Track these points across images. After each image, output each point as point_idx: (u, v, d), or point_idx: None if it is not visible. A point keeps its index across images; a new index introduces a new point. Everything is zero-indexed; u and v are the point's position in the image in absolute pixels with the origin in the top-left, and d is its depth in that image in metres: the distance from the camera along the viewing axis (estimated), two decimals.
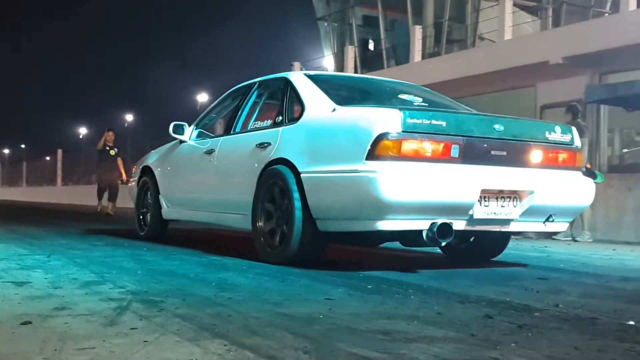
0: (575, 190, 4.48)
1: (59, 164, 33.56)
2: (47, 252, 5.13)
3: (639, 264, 5.23)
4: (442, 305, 3.05)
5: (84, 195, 26.07)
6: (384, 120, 3.95)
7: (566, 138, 4.46)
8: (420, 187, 3.89)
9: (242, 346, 2.16)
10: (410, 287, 3.54)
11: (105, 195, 14.02)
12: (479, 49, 17.47)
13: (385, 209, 3.87)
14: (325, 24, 24.26)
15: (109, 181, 13.80)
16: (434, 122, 3.97)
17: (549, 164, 4.37)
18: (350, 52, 20.87)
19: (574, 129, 4.55)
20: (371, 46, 23.02)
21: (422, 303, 3.09)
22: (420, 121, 3.94)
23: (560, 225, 4.55)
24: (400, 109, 3.98)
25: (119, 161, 13.83)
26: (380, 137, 3.89)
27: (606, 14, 18.15)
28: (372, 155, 3.90)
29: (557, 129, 4.43)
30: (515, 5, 17.15)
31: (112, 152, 13.70)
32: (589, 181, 4.57)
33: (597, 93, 10.28)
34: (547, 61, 14.02)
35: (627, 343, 2.33)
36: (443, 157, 3.97)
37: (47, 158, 38.61)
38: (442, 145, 3.97)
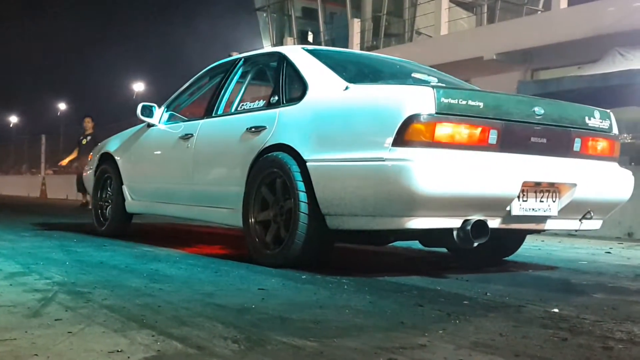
0: (615, 183, 4.04)
1: None
2: None
3: (566, 255, 5.39)
4: (374, 294, 3.07)
5: (14, 186, 25.32)
6: (414, 99, 3.39)
7: (605, 124, 4.00)
8: (458, 179, 3.38)
9: (171, 336, 2.12)
10: (344, 277, 3.55)
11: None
12: (416, 43, 17.72)
13: (418, 204, 3.35)
14: (264, 14, 24.17)
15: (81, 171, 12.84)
16: (470, 102, 3.45)
17: (590, 153, 3.93)
18: (290, 44, 20.84)
19: (612, 114, 4.12)
20: (310, 38, 23.04)
21: (354, 293, 3.10)
22: (455, 101, 3.41)
23: (595, 223, 4.06)
24: (433, 87, 3.46)
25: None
26: (411, 120, 3.34)
27: (539, 12, 18.67)
28: (400, 140, 3.35)
29: (596, 113, 3.97)
30: (451, 1, 17.47)
31: (84, 142, 12.74)
32: (628, 173, 4.14)
33: (529, 89, 10.55)
34: (481, 57, 14.33)
35: (551, 329, 2.40)
36: (480, 144, 3.48)
37: None
38: (479, 129, 3.47)
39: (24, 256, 4.22)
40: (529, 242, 6.43)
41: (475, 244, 3.54)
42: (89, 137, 12.80)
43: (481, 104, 3.48)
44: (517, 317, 2.62)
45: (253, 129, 4.27)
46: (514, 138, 3.59)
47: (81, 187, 12.98)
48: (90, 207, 12.32)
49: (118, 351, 1.93)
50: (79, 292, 2.91)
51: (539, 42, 13.46)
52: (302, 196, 3.76)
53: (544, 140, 3.71)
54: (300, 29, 22.94)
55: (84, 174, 6.73)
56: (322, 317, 2.50)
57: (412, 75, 4.52)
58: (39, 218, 8.87)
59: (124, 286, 3.12)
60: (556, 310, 2.79)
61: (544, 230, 4.04)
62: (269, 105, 4.33)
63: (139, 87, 42.94)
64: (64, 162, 13.91)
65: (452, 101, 3.41)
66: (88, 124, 12.99)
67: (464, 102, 3.44)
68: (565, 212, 3.83)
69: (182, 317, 2.43)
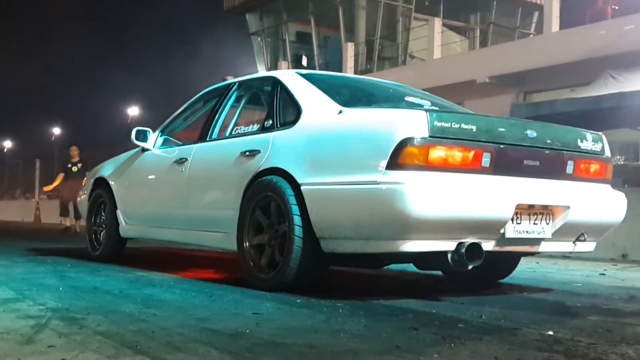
0: (608, 205, 4.06)
1: None
2: None
3: (561, 277, 5.39)
4: (369, 318, 3.06)
5: (8, 211, 25.25)
6: (408, 123, 3.42)
7: (597, 147, 4.04)
8: (452, 202, 3.39)
9: None
10: (339, 301, 3.54)
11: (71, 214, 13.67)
12: (409, 66, 17.86)
13: (411, 227, 3.37)
14: (259, 39, 24.32)
15: (70, 197, 13.05)
16: (463, 125, 3.48)
17: (582, 175, 3.95)
18: (284, 68, 20.97)
19: (604, 137, 4.15)
20: (304, 62, 23.17)
21: (349, 316, 3.10)
22: (448, 125, 3.44)
23: (589, 245, 4.07)
24: (426, 110, 3.51)
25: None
26: (404, 143, 3.37)
27: (531, 35, 18.86)
28: (394, 164, 3.38)
29: (589, 136, 4.01)
30: (444, 25, 17.65)
31: (75, 169, 13.14)
32: (621, 195, 4.15)
33: (522, 111, 10.60)
34: (474, 80, 14.43)
35: (546, 352, 2.39)
36: (473, 167, 3.50)
37: None
38: (472, 153, 3.49)
39: (18, 282, 4.20)
40: (524, 264, 6.43)
41: (470, 267, 3.53)
42: (79, 165, 13.20)
43: (474, 127, 3.51)
44: (512, 340, 2.61)
45: (247, 153, 4.29)
46: (507, 161, 3.61)
47: (65, 212, 13.32)
48: (72, 231, 12.81)
49: None
50: (73, 318, 2.89)
51: (531, 65, 13.59)
52: (297, 220, 3.76)
53: (537, 163, 3.73)
54: (295, 53, 23.08)
55: (78, 199, 6.73)
56: (317, 342, 2.49)
57: (406, 98, 4.55)
58: (32, 243, 8.83)
59: (117, 312, 3.10)
60: (551, 332, 2.78)
61: (538, 253, 4.03)
62: (263, 129, 4.34)
63: (133, 111, 43.01)
64: (49, 187, 14.34)
65: (445, 124, 3.43)
66: (74, 152, 13.40)
67: (457, 126, 3.47)
68: (559, 234, 3.83)
69: (176, 343, 2.42)
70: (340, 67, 18.57)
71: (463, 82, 14.33)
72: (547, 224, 3.78)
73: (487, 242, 3.58)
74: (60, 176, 13.55)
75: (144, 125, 5.90)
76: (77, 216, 13.23)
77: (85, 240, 6.20)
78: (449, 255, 3.50)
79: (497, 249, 3.66)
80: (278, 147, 4.11)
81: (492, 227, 3.57)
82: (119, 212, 5.72)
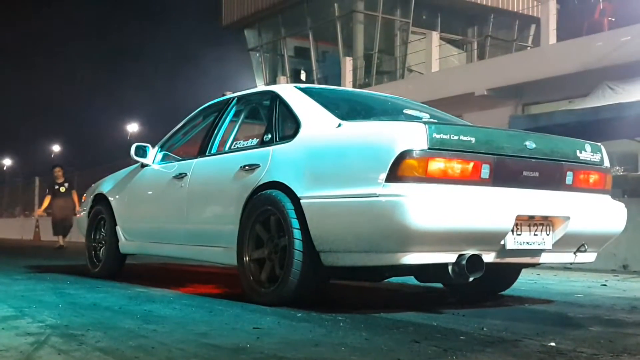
0: (608, 215, 4.06)
1: None
2: None
3: (561, 288, 5.37)
4: (370, 331, 3.05)
5: (8, 229, 25.22)
6: (407, 135, 3.44)
7: (596, 157, 4.05)
8: (452, 214, 3.39)
9: None
10: (339, 314, 3.53)
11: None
12: (407, 80, 17.91)
13: (412, 240, 3.36)
14: (257, 54, 24.42)
15: (61, 216, 13.65)
16: (462, 137, 3.48)
17: (582, 186, 3.95)
18: (283, 82, 21.04)
19: (603, 147, 4.15)
20: (303, 76, 23.24)
21: (350, 330, 3.08)
22: (447, 136, 3.44)
23: (590, 256, 4.06)
24: (425, 123, 3.51)
25: (74, 194, 13.64)
26: (404, 155, 3.38)
27: (528, 48, 18.93)
28: (393, 176, 3.38)
29: (588, 147, 4.02)
30: (441, 38, 17.72)
31: (62, 189, 13.60)
32: (621, 205, 4.14)
33: (520, 123, 10.61)
34: (472, 92, 14.47)
35: None
36: (472, 179, 3.50)
37: None
38: (471, 164, 3.49)
39: (17, 299, 4.19)
40: (525, 275, 6.42)
41: (471, 279, 3.53)
42: (65, 184, 13.72)
43: (473, 139, 3.51)
44: (514, 352, 2.60)
45: (247, 167, 4.29)
46: (506, 172, 3.61)
47: (59, 231, 13.62)
48: (58, 246, 13.11)
49: None
50: (72, 335, 2.88)
51: (529, 77, 13.64)
52: (297, 233, 3.76)
53: (536, 174, 3.73)
54: (293, 68, 23.17)
55: (78, 215, 6.72)
56: (318, 355, 2.48)
57: (404, 111, 4.57)
58: (32, 260, 8.81)
59: (117, 328, 3.09)
60: (553, 344, 2.77)
61: (539, 264, 4.02)
62: (262, 144, 4.35)
63: (132, 127, 43.10)
64: (39, 211, 15.07)
65: (444, 136, 3.44)
66: (58, 172, 13.87)
67: (456, 137, 3.47)
68: (560, 245, 3.82)
69: (177, 358, 2.41)
70: (339, 81, 18.63)
71: (461, 95, 14.39)
72: (548, 234, 3.77)
73: (487, 254, 3.58)
74: (48, 198, 13.98)
75: (143, 141, 5.89)
76: (65, 233, 13.72)
77: (85, 257, 6.18)
78: (450, 268, 3.50)
79: (498, 260, 3.66)
80: (277, 161, 4.11)
81: (493, 239, 3.57)
82: (118, 228, 5.71)
